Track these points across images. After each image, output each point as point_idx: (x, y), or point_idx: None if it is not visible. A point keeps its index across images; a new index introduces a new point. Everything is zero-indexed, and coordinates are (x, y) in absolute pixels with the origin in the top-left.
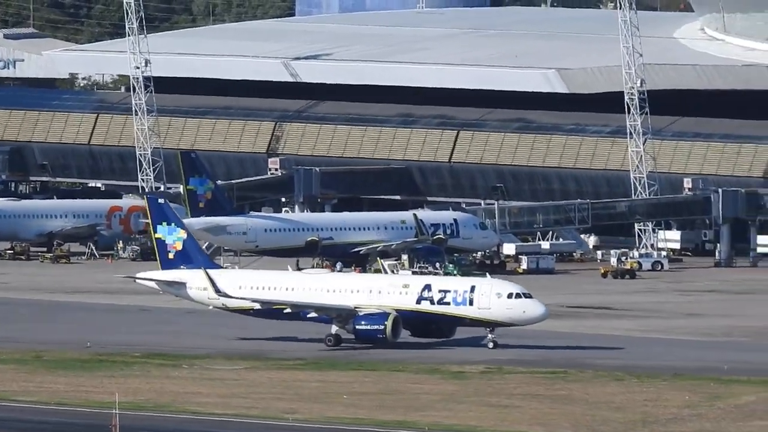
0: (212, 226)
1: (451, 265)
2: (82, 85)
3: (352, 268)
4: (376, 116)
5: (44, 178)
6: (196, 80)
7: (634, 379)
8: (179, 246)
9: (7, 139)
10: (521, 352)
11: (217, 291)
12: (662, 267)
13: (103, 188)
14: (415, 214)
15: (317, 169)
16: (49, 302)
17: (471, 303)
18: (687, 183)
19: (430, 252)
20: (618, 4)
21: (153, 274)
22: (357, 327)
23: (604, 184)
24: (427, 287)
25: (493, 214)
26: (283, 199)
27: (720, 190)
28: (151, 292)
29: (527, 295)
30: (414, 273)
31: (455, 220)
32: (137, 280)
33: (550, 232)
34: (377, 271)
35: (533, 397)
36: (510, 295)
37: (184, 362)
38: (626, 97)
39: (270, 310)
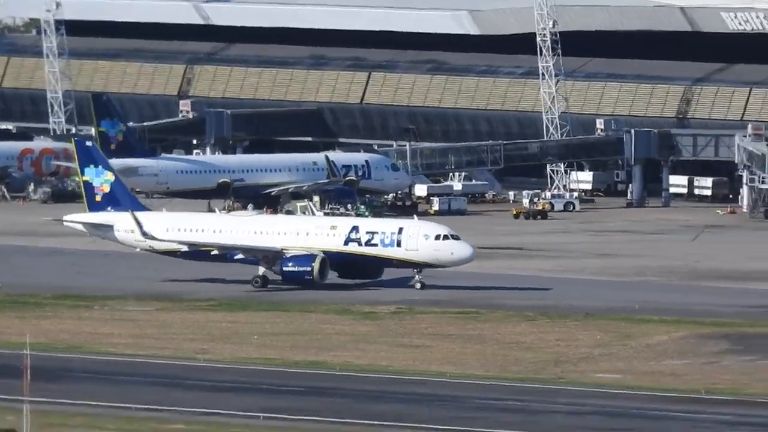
0: (124, 167)
1: (362, 207)
2: None
3: (264, 209)
4: (287, 58)
5: None
6: (107, 23)
7: (546, 318)
8: (106, 188)
9: None
10: (443, 293)
11: (144, 233)
12: (574, 208)
13: (14, 130)
14: (326, 156)
15: (228, 111)
16: None
17: (399, 244)
18: (599, 124)
19: (341, 193)
20: None
21: (80, 217)
22: (284, 268)
23: (516, 126)
24: (355, 229)
25: (405, 156)
26: (195, 141)
27: (632, 131)
28: (64, 234)
29: (455, 237)
30: (326, 214)
31: (367, 161)
32: (65, 223)
33: (462, 174)
34: (289, 212)
35: (445, 337)
36: (438, 237)
37: (96, 303)
38: (538, 39)
39: (197, 252)
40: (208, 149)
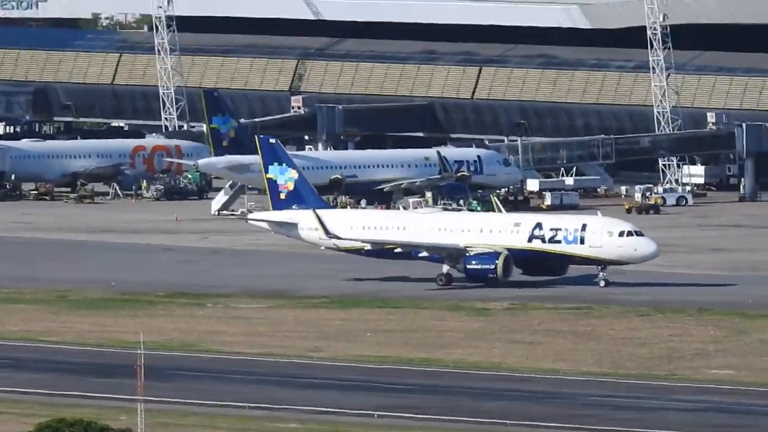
0: (236, 164)
1: (475, 202)
2: (104, 24)
3: (375, 205)
4: (398, 53)
5: (68, 119)
6: (218, 18)
7: (659, 314)
8: (291, 186)
9: (30, 79)
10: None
11: (327, 232)
12: (686, 202)
13: (126, 128)
14: (438, 151)
15: (340, 106)
16: (73, 242)
17: (582, 241)
18: (710, 117)
19: (453, 189)
20: None
21: (265, 215)
22: (468, 266)
23: (627, 120)
24: (538, 225)
25: (516, 151)
26: (306, 137)
27: (744, 125)
28: (174, 231)
29: (639, 233)
30: (422, 210)
31: (479, 156)
32: (249, 221)
33: (574, 168)
34: (405, 208)
35: (557, 333)
36: (621, 233)
37: (208, 301)
38: (649, 32)
39: (381, 250)
40: (320, 145)
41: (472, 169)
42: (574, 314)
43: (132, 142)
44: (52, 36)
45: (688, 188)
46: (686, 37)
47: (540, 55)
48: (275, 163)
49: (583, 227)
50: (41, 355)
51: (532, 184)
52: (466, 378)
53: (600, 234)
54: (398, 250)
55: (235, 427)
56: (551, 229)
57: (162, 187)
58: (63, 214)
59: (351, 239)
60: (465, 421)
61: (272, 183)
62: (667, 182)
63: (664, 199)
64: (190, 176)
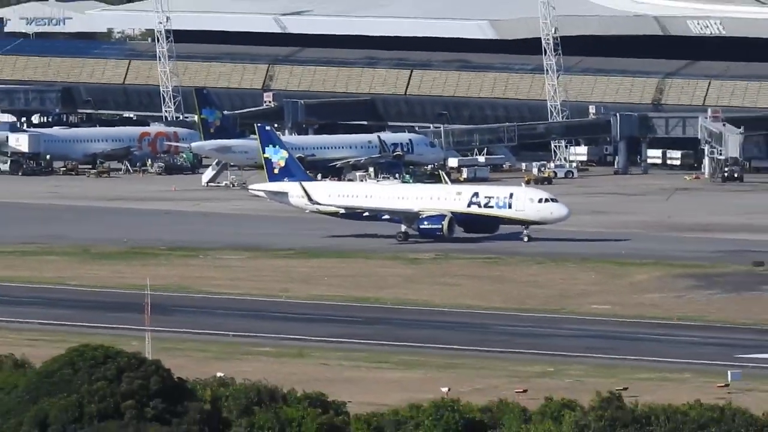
0: (221, 146)
1: (407, 176)
2: (117, 37)
3: (329, 178)
4: (347, 59)
5: (89, 111)
6: (206, 32)
7: (553, 263)
8: (282, 163)
9: (59, 80)
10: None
11: (310, 199)
12: (573, 175)
13: (134, 118)
14: (378, 136)
15: (302, 101)
16: (93, 208)
17: (510, 207)
18: (592, 109)
19: (391, 165)
20: None
21: (262, 186)
22: (420, 226)
23: (526, 111)
24: (476, 194)
25: (440, 135)
26: (276, 125)
27: (618, 114)
28: (172, 199)
29: (554, 200)
30: (378, 182)
31: (410, 140)
32: (249, 190)
33: (485, 149)
34: (351, 180)
35: (473, 278)
36: (540, 200)
37: (200, 254)
38: (543, 42)
39: (353, 213)
40: (286, 131)
41: (405, 149)
42: (487, 263)
43: (139, 129)
44: (75, 46)
45: (574, 164)
46: (573, 46)
47: (458, 60)
48: (270, 146)
49: (511, 195)
50: (69, 296)
51: (452, 162)
52: (401, 312)
53: (523, 200)
54: (366, 213)
55: (222, 350)
56: (485, 197)
57: (163, 164)
58: (85, 186)
59: (329, 205)
60: (400, 345)
61: (267, 161)
62: (558, 160)
63: (555, 173)
64: (185, 156)
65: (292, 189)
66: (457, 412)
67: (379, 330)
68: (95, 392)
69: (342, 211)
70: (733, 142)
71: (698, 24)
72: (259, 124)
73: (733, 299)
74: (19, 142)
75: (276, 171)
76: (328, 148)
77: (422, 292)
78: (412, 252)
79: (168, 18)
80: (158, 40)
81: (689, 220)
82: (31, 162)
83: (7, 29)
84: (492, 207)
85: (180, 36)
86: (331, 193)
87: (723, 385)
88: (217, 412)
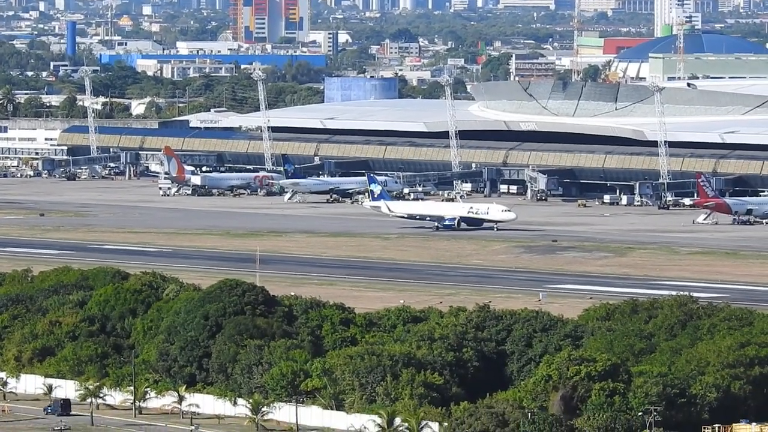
0: (293, 183)
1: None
2: (243, 129)
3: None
4: (355, 140)
5: (229, 165)
6: (286, 127)
7: (472, 240)
8: (377, 191)
9: (215, 151)
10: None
11: (390, 210)
12: (463, 198)
13: (252, 168)
14: (369, 176)
15: (333, 161)
16: (231, 212)
17: (488, 213)
18: (473, 165)
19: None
20: (447, 94)
21: (368, 204)
22: (444, 224)
23: (442, 167)
24: (471, 208)
25: (400, 178)
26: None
27: (486, 167)
28: (270, 206)
29: (509, 210)
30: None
31: (386, 180)
32: (363, 205)
33: (422, 184)
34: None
35: (419, 247)
36: (502, 210)
37: (286, 236)
38: (450, 132)
39: (412, 216)
40: (326, 175)
41: (383, 184)
42: (431, 239)
43: (253, 174)
44: (224, 134)
45: (463, 193)
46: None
47: (408, 141)
48: (373, 183)
49: (488, 208)
50: (220, 254)
51: (406, 190)
52: (380, 265)
53: (495, 210)
54: (418, 216)
55: (293, 281)
56: (476, 209)
57: (265, 191)
58: (225, 201)
59: (398, 213)
60: (380, 279)
61: (372, 192)
62: (457, 190)
63: (455, 197)
64: (276, 187)
65: (382, 205)
66: (408, 312)
67: (366, 273)
68: (231, 302)
69: (405, 216)
70: (542, 181)
71: (525, 125)
72: (369, 175)
73: (542, 258)
74: (195, 180)
75: (376, 195)
76: (346, 183)
77: (396, 253)
78: (391, 234)
79: (268, 119)
80: (264, 131)
81: (522, 219)
82: (202, 189)
83: (191, 125)
84: (479, 214)
85: (274, 129)
86: (401, 207)
87: (537, 300)
88: (291, 311)
